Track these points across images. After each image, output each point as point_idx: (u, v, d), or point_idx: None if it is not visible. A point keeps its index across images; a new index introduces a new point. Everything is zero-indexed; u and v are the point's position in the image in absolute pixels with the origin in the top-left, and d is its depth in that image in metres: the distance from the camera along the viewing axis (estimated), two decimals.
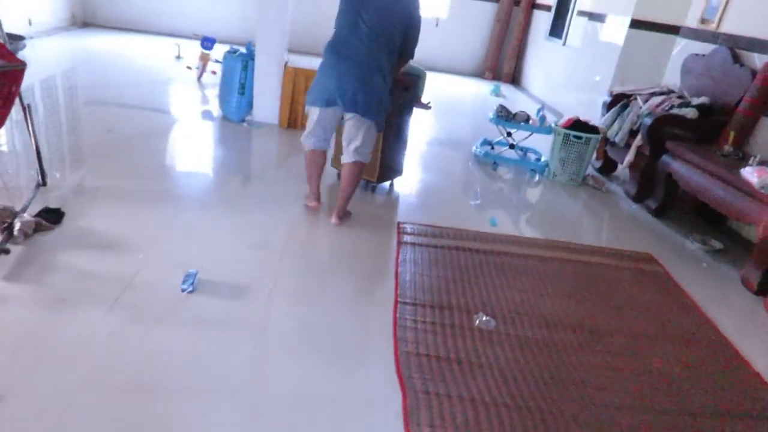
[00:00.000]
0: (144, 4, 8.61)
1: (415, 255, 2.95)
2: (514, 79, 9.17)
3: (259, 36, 4.57)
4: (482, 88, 8.42)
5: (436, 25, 8.88)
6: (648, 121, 4.01)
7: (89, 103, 4.95)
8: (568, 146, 4.37)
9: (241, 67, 4.63)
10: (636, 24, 5.68)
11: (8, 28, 5.70)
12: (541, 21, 8.34)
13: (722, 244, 3.63)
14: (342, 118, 3.09)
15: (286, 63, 4.74)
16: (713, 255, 3.54)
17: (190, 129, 4.73)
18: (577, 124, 4.39)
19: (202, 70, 6.11)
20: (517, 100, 7.96)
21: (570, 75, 7.12)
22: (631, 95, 4.55)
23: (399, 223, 3.30)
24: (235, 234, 2.94)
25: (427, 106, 3.84)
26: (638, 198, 4.25)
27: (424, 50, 7.41)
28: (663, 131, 4.00)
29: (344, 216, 3.24)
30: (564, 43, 7.45)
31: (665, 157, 3.89)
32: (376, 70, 2.95)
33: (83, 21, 8.56)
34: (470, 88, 8.43)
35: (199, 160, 4.10)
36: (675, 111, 4.05)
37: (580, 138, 4.32)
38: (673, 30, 5.59)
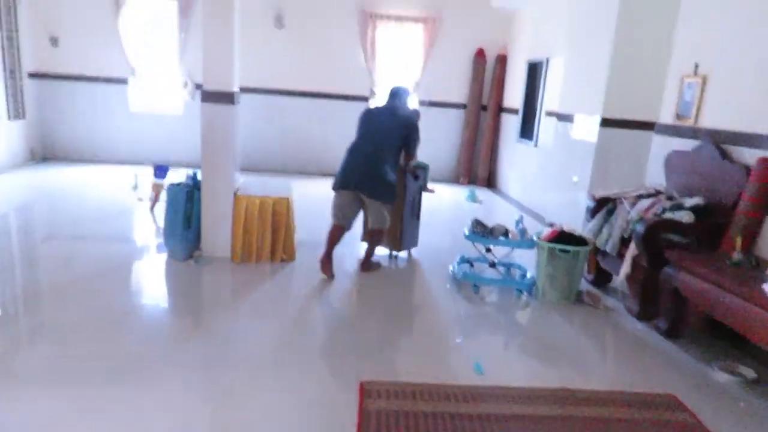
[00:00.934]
0: (103, 134, 8.42)
1: (380, 428, 2.31)
2: (490, 182, 8.94)
3: (205, 163, 4.18)
4: (458, 193, 8.11)
5: None
6: (640, 228, 3.56)
7: (28, 245, 4.43)
8: (555, 261, 3.88)
9: (185, 198, 4.19)
10: (607, 122, 5.46)
11: None
12: (511, 123, 8.26)
13: (755, 372, 3.03)
14: (365, 200, 4.16)
15: (236, 191, 4.32)
16: (747, 387, 2.93)
17: (129, 272, 4.18)
18: (563, 236, 3.94)
19: (155, 200, 5.69)
20: (494, 205, 7.62)
21: (546, 176, 6.84)
22: (616, 199, 4.16)
23: (362, 384, 2.67)
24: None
25: (431, 191, 5.02)
26: (643, 315, 3.69)
27: None
28: (658, 239, 3.54)
29: (371, 268, 4.44)
30: (536, 145, 7.26)
31: (668, 269, 3.39)
32: (380, 164, 4.07)
33: (43, 156, 8.29)
34: (445, 194, 8.12)
35: (131, 315, 3.49)
36: (668, 215, 3.63)
37: (567, 252, 3.84)
38: (647, 126, 5.37)
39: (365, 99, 8.56)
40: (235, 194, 4.24)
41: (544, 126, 7.08)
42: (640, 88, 5.36)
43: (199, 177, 4.27)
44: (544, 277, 3.96)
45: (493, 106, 8.69)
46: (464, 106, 8.78)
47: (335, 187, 4.17)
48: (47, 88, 8.18)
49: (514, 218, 4.51)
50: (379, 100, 8.32)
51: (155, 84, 8.43)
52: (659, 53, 5.22)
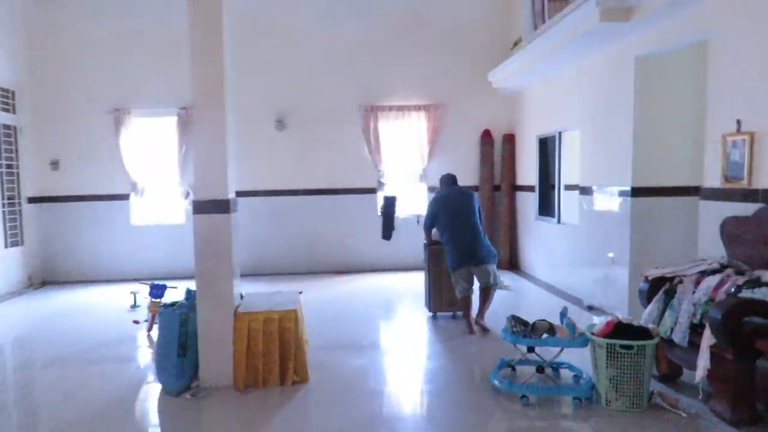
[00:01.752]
0: (104, 251, 8.08)
1: None
2: (513, 264, 8.37)
3: (200, 281, 3.71)
4: None
5: (418, 222, 8.35)
6: (716, 313, 2.96)
7: (20, 382, 3.87)
8: (618, 360, 3.24)
9: (179, 322, 3.68)
10: (638, 192, 5.01)
11: None
12: (528, 201, 7.83)
13: None
14: (473, 270, 4.97)
15: (237, 307, 3.81)
16: None
17: (117, 413, 3.57)
18: (620, 329, 3.32)
19: (152, 322, 5.17)
20: (523, 290, 7.01)
21: (575, 254, 6.29)
22: (673, 278, 3.58)
23: None
24: None
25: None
26: (738, 421, 2.99)
27: (414, 246, 7.12)
28: (741, 324, 2.94)
29: (485, 330, 4.98)
30: (558, 221, 6.78)
31: (765, 363, 2.75)
32: (480, 236, 5.01)
33: (42, 280, 7.91)
34: None
35: None
36: (746, 294, 3.04)
37: (630, 348, 3.22)
38: (684, 192, 4.90)
39: (373, 191, 8.27)
40: (235, 312, 3.73)
41: (566, 201, 6.63)
42: (669, 152, 4.99)
43: None
44: (607, 381, 3.30)
45: (507, 185, 8.32)
46: (476, 189, 8.42)
47: (455, 267, 4.94)
48: (47, 212, 7.97)
49: (557, 310, 3.90)
50: (391, 190, 8.06)
51: (157, 196, 8.21)
52: (684, 115, 4.89)
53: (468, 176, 8.36)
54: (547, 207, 7.19)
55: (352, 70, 8.17)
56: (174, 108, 7.90)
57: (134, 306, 6.33)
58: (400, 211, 8.05)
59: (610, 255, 5.37)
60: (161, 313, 3.75)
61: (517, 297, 6.63)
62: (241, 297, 4.07)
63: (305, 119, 8.19)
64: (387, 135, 8.22)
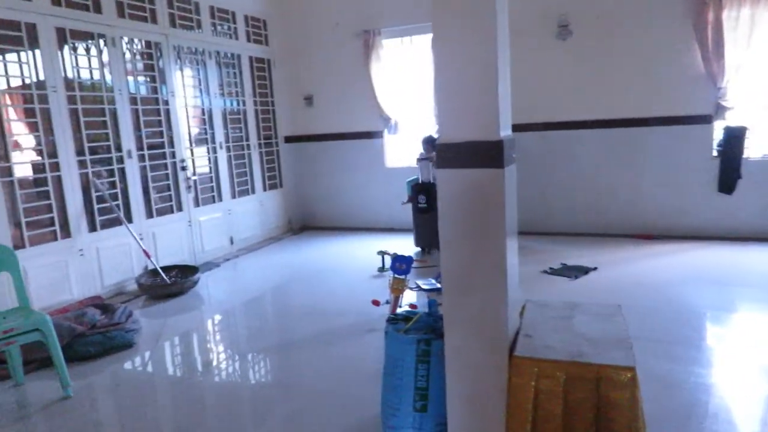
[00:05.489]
0: (355, 197, 7.29)
1: None
2: None
3: (447, 283, 2.07)
4: None
5: None
6: None
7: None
8: None
9: (415, 356, 2.16)
10: None
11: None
12: None
13: None
14: None
15: (514, 341, 2.10)
16: None
17: None
18: None
19: (394, 304, 3.89)
20: None
21: None
22: None
23: None
24: None
25: None
26: None
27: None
28: None
29: None
30: None
31: None
32: None
33: (302, 225, 7.56)
34: None
35: None
36: None
37: None
38: None
39: (706, 120, 5.55)
40: (510, 354, 2.02)
41: None
42: None
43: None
44: None
45: None
46: None
47: None
48: (302, 152, 7.46)
49: None
50: (737, 119, 5.37)
51: (411, 134, 6.98)
52: None
53: None
54: None
55: None
56: (429, 23, 6.37)
57: (381, 269, 5.28)
58: (750, 150, 5.37)
59: None
60: (388, 335, 2.28)
61: None
62: (522, 310, 2.35)
63: (601, 21, 5.81)
64: (739, 32, 5.29)
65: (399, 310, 3.60)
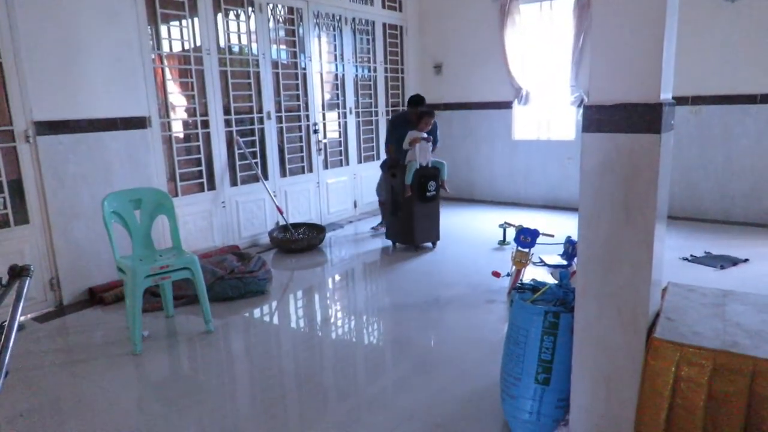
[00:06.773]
0: (481, 168, 7.14)
1: None
2: None
3: (583, 256, 1.95)
4: None
5: None
6: None
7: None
8: None
9: (541, 327, 2.08)
10: None
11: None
12: None
13: None
14: None
15: (654, 323, 1.94)
16: None
17: None
18: None
19: (515, 278, 3.78)
20: None
21: None
22: None
23: None
24: None
25: None
26: None
27: None
28: None
29: None
30: None
31: None
32: None
33: None
34: None
35: None
36: None
37: None
38: None
39: None
40: (649, 335, 1.87)
41: None
42: None
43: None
44: None
45: None
46: None
47: None
48: None
49: None
50: None
51: (543, 105, 6.66)
52: None
53: None
54: None
55: None
56: None
57: (503, 242, 5.16)
58: None
59: None
60: (514, 303, 2.22)
61: None
62: (663, 293, 2.16)
63: None
64: None
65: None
